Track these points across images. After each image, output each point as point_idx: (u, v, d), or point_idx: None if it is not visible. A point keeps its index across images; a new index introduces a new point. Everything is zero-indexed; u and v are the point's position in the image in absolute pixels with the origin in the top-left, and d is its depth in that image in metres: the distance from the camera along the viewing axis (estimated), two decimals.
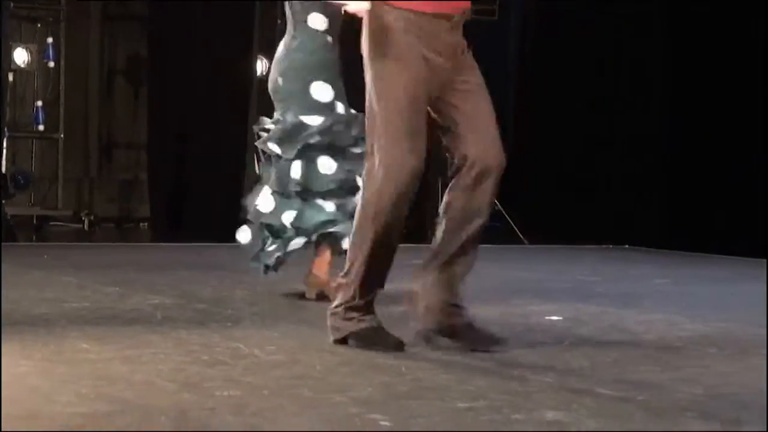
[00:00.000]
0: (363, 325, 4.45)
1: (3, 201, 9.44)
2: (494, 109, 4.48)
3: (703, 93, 9.61)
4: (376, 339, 4.43)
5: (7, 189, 9.96)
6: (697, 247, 9.45)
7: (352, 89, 5.67)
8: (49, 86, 10.76)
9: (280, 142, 5.74)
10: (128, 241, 10.14)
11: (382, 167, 4.33)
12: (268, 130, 5.83)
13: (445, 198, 4.51)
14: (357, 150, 5.68)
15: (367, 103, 4.41)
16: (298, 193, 5.71)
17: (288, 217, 5.72)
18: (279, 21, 9.36)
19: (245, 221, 5.87)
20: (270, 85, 5.89)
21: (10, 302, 5.22)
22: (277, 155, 5.76)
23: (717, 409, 3.61)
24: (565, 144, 10.08)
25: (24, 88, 10.75)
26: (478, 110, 4.44)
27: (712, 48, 9.56)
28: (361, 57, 4.46)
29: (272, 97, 5.89)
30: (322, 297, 5.70)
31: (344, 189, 5.74)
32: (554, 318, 5.49)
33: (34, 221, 10.32)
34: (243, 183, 9.77)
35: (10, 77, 10.42)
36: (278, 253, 5.78)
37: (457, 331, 4.48)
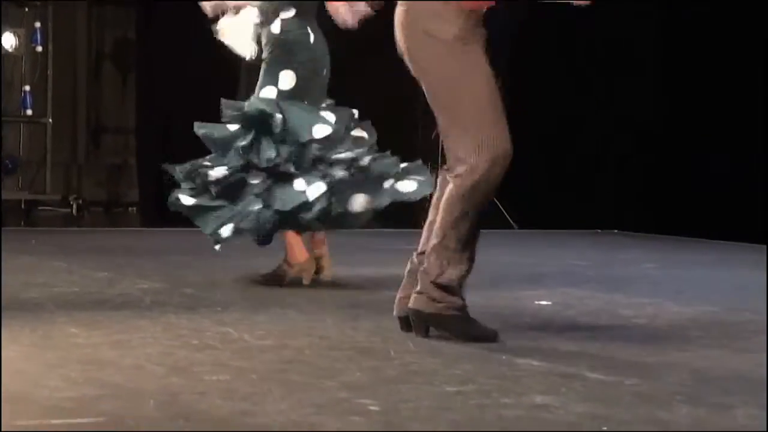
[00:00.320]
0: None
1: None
2: None
3: (693, 76, 9.61)
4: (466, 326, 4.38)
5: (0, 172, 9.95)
6: (686, 231, 9.46)
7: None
8: (37, 71, 10.73)
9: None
10: (117, 226, 10.12)
11: (489, 156, 4.30)
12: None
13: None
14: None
15: (438, 101, 4.38)
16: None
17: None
18: None
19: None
20: None
21: None
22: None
23: (705, 393, 3.63)
24: (555, 128, 10.08)
25: (11, 72, 10.72)
26: None
27: (704, 28, 9.56)
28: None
29: None
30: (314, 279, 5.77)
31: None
32: (543, 302, 5.50)
33: (23, 206, 10.30)
34: None
35: None
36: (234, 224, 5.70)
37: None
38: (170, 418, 3.07)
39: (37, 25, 10.59)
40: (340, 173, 5.64)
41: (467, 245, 4.35)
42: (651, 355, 4.24)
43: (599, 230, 10.07)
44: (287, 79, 5.75)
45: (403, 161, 5.83)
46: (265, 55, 5.82)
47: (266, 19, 5.80)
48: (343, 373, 3.73)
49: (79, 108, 11.23)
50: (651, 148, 9.90)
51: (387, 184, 5.68)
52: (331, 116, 5.76)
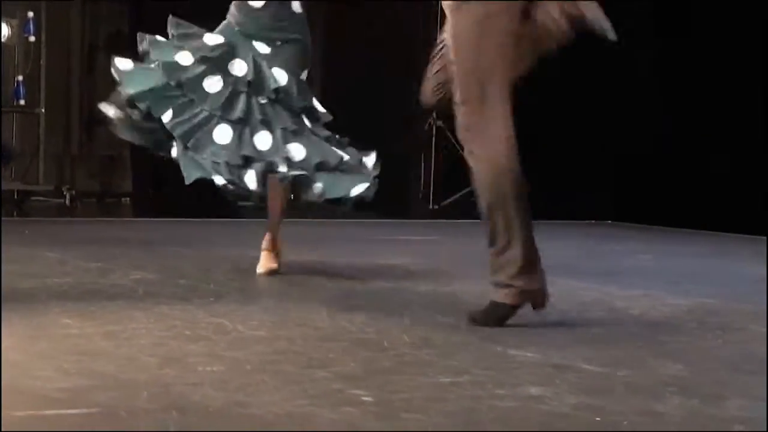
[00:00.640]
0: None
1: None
2: None
3: (690, 68, 9.61)
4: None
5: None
6: (681, 222, 9.47)
7: None
8: (30, 61, 10.70)
9: None
10: (110, 217, 10.11)
11: None
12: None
13: None
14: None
15: None
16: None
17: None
18: None
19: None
20: None
21: None
22: None
23: (698, 385, 3.63)
24: (548, 119, 10.07)
25: (4, 62, 10.68)
26: None
27: (700, 20, 9.56)
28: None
29: None
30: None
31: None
32: None
33: (15, 196, 10.28)
34: None
35: None
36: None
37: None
38: (163, 409, 3.07)
39: (30, 15, 10.56)
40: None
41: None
42: (644, 347, 4.24)
43: (594, 221, 10.07)
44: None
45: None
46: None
47: None
48: (337, 363, 3.73)
49: (73, 98, 11.20)
50: (647, 139, 9.90)
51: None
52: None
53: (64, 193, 10.45)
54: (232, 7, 5.84)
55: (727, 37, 9.39)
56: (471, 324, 4.48)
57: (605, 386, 3.54)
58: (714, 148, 9.40)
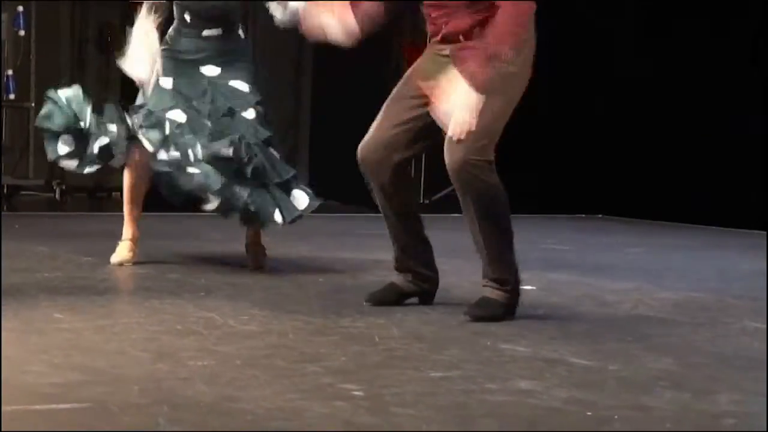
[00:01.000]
0: None
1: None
2: None
3: (677, 59, 9.62)
4: None
5: None
6: (670, 216, 9.49)
7: None
8: (20, 55, 10.67)
9: None
10: (100, 211, 10.09)
11: None
12: None
13: None
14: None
15: None
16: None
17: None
18: None
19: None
20: None
21: None
22: None
23: (688, 379, 3.63)
24: (538, 112, 10.07)
25: None
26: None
27: (686, 9, 9.56)
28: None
29: None
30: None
31: None
32: (527, 287, 5.48)
33: (5, 190, 10.26)
34: None
35: None
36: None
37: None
38: (154, 403, 3.07)
39: (20, 9, 10.54)
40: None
41: None
42: (635, 341, 4.25)
43: (583, 215, 10.08)
44: None
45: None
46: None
47: None
48: (328, 358, 3.73)
49: None
50: (636, 132, 9.91)
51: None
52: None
53: (54, 187, 10.43)
54: (172, 33, 5.83)
55: (716, 26, 9.40)
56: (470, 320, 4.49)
57: (596, 380, 3.54)
58: (704, 142, 9.41)
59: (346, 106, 10.22)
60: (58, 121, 5.84)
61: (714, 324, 4.72)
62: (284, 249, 6.25)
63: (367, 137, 4.65)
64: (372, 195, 4.73)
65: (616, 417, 3.12)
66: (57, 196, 10.37)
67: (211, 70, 5.77)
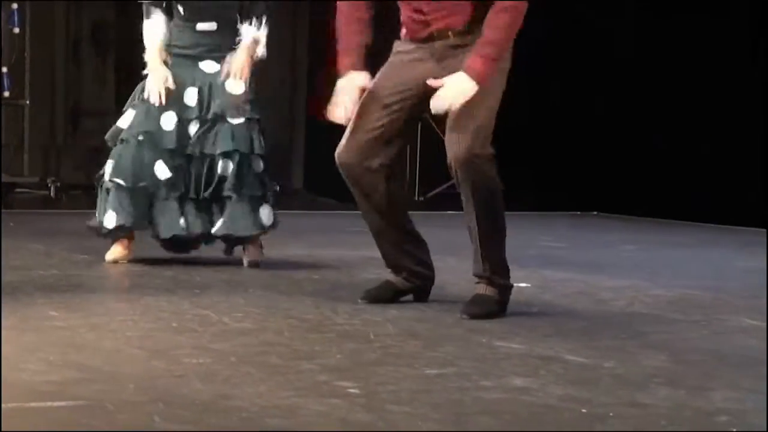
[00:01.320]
0: None
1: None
2: None
3: (674, 57, 9.62)
4: None
5: None
6: (666, 213, 9.49)
7: None
8: (15, 52, 10.66)
9: None
10: (96, 209, 10.08)
11: None
12: None
13: None
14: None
15: None
16: None
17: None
18: None
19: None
20: None
21: None
22: None
23: (683, 376, 3.64)
24: (534, 110, 10.08)
25: None
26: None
27: (687, 8, 9.57)
28: None
29: None
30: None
31: None
32: (522, 285, 5.49)
33: (0, 188, 10.25)
34: None
35: None
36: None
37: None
38: (150, 401, 3.07)
39: (14, 6, 10.52)
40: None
41: None
42: (630, 338, 4.25)
43: (579, 212, 10.08)
44: None
45: None
46: None
47: None
48: (323, 355, 3.73)
49: (58, 90, 11.17)
50: (631, 129, 9.91)
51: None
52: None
53: (50, 185, 10.42)
54: (171, 27, 5.83)
55: (715, 26, 9.40)
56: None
57: (591, 378, 3.54)
58: (700, 139, 9.41)
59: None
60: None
61: (709, 321, 4.72)
62: (279, 247, 6.24)
63: (343, 142, 4.66)
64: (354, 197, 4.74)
65: (611, 414, 3.12)
66: (52, 193, 10.36)
67: (209, 66, 5.77)
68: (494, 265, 4.58)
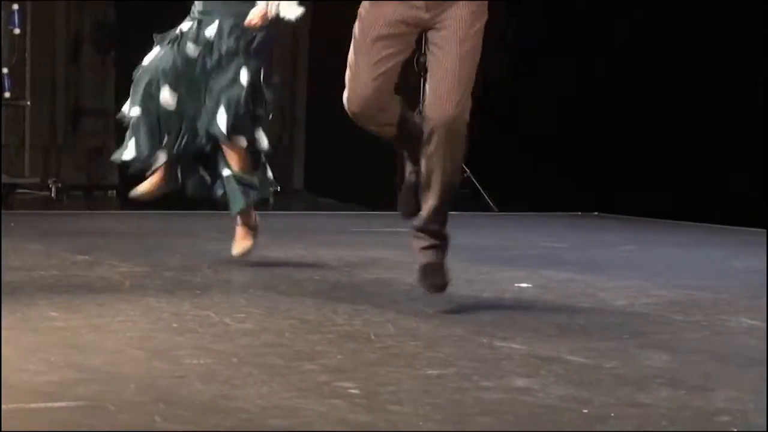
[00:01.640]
0: None
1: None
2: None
3: (674, 58, 9.62)
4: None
5: None
6: (665, 214, 9.49)
7: None
8: (15, 53, 10.66)
9: None
10: (96, 209, 10.09)
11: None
12: None
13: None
14: None
15: None
16: None
17: None
18: None
19: None
20: None
21: None
22: None
23: (684, 376, 3.64)
24: (535, 110, 10.08)
25: None
26: (438, 65, 4.48)
27: (687, 12, 9.57)
28: None
29: None
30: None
31: None
32: (523, 285, 5.50)
33: (1, 189, 10.25)
34: None
35: None
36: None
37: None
38: (150, 402, 3.07)
39: (15, 7, 10.53)
40: None
41: None
42: (631, 338, 4.25)
43: (579, 212, 10.08)
44: None
45: None
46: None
47: None
48: (324, 356, 3.73)
49: (58, 90, 11.17)
50: (632, 130, 9.91)
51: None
52: None
53: (50, 185, 10.42)
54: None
55: (712, 26, 9.40)
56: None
57: (592, 378, 3.54)
58: (701, 140, 9.41)
59: (343, 104, 10.21)
60: None
61: (710, 321, 4.72)
62: (280, 247, 6.25)
63: (350, 93, 4.58)
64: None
65: (612, 414, 3.12)
66: (53, 194, 10.37)
67: (213, 28, 5.78)
68: (441, 219, 4.63)
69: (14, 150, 10.68)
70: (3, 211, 8.92)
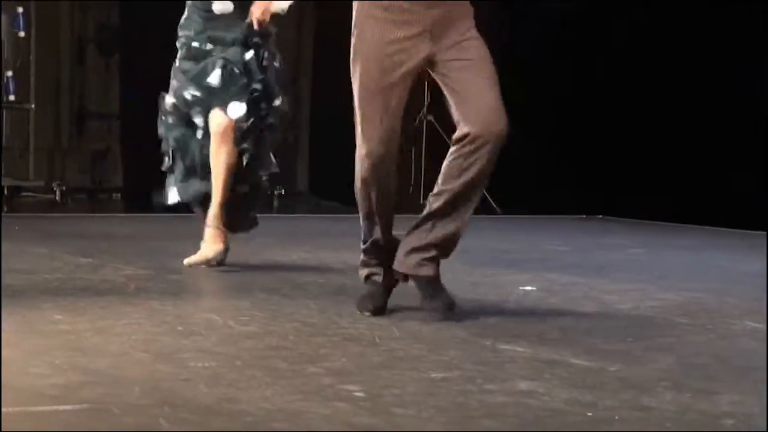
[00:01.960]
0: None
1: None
2: None
3: (680, 62, 9.62)
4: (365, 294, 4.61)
5: None
6: (670, 217, 9.49)
7: None
8: (20, 56, 10.67)
9: None
10: (101, 212, 10.10)
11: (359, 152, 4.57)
12: None
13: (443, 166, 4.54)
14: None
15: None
16: None
17: None
18: None
19: None
20: None
21: None
22: None
23: (689, 379, 3.63)
24: (540, 113, 10.08)
25: None
26: (471, 82, 4.44)
27: (691, 15, 9.57)
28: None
29: None
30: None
31: None
32: (527, 288, 5.50)
33: (5, 192, 10.26)
34: None
35: None
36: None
37: (419, 283, 4.53)
38: (155, 404, 3.07)
39: (20, 10, 10.54)
40: None
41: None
42: (635, 341, 4.25)
43: (584, 215, 10.08)
44: None
45: None
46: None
47: None
48: (328, 359, 3.73)
49: (63, 93, 11.18)
50: (636, 132, 9.91)
51: None
52: None
53: (55, 188, 10.43)
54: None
55: (720, 31, 9.39)
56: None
57: (596, 381, 3.54)
58: (707, 142, 9.41)
59: (347, 107, 10.21)
60: None
61: (715, 325, 4.72)
62: (284, 250, 6.25)
63: (371, 148, 4.48)
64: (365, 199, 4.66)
65: (616, 418, 3.12)
66: (57, 197, 10.37)
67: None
68: (451, 243, 4.55)
69: (19, 153, 10.69)
70: (8, 215, 8.93)
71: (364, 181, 4.53)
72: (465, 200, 4.50)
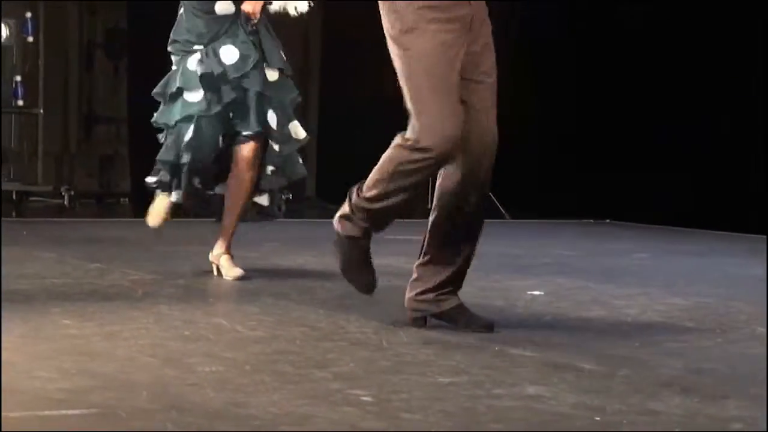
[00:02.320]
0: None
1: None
2: None
3: (685, 66, 9.62)
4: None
5: None
6: (678, 221, 9.48)
7: None
8: (28, 61, 10.69)
9: None
10: (109, 217, 10.11)
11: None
12: None
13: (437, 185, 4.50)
14: None
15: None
16: None
17: None
18: None
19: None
20: None
21: None
22: None
23: (697, 384, 3.63)
24: (547, 118, 10.08)
25: (3, 63, 10.69)
26: (476, 97, 4.39)
27: (696, 15, 9.56)
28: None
29: None
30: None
31: None
32: (535, 293, 5.50)
33: (14, 197, 10.28)
34: None
35: None
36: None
37: (449, 317, 4.42)
38: (163, 409, 3.07)
39: (28, 15, 10.55)
40: None
41: None
42: (643, 346, 4.24)
43: (592, 220, 10.07)
44: None
45: None
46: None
47: None
48: (336, 363, 3.73)
49: (71, 98, 11.20)
50: (645, 137, 9.90)
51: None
52: None
53: (63, 193, 10.45)
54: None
55: (725, 36, 9.39)
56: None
57: (604, 386, 3.54)
58: (713, 147, 9.40)
59: (354, 112, 10.22)
60: None
61: (722, 329, 4.71)
62: (291, 254, 6.25)
63: (449, 129, 4.26)
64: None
65: (624, 422, 3.12)
66: (65, 202, 10.39)
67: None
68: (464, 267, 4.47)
69: (27, 158, 10.70)
70: (16, 219, 8.94)
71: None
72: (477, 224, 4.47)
